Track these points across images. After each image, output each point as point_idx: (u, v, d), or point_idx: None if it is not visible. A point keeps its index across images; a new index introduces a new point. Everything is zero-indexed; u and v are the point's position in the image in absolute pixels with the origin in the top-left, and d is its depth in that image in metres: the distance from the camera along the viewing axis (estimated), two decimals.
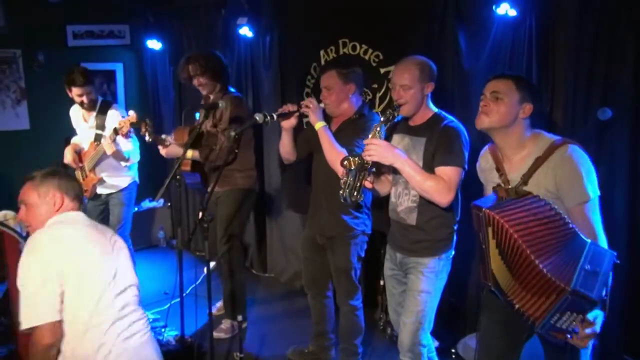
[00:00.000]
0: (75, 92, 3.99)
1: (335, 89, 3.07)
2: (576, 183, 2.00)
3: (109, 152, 3.91)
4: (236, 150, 3.62)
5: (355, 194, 2.48)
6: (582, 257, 1.79)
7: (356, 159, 2.48)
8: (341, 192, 2.49)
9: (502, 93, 2.14)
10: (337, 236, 3.15)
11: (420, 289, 2.60)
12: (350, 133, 3.03)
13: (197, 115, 3.80)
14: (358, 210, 3.13)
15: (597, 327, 1.79)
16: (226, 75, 3.80)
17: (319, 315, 3.46)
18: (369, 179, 2.49)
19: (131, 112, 3.74)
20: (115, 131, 3.78)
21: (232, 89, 3.85)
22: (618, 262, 1.86)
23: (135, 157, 4.19)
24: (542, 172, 2.06)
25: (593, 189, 2.02)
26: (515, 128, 2.16)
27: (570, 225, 1.87)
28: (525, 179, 2.09)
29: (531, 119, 2.19)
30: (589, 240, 1.86)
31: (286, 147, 3.24)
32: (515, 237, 1.83)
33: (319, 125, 2.96)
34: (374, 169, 2.53)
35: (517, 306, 1.92)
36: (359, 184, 2.48)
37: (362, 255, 3.22)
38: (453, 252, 2.68)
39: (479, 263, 2.13)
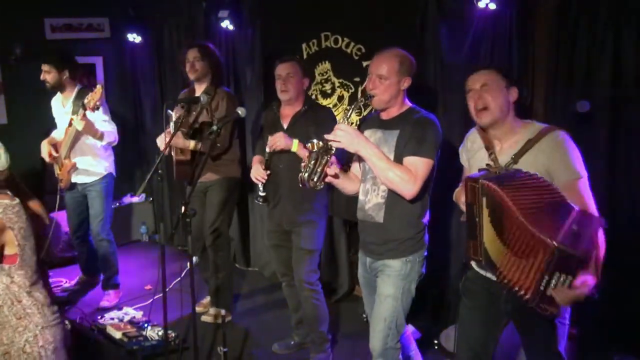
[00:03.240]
0: (42, 67, 4.06)
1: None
2: (568, 163, 2.05)
3: (80, 128, 3.82)
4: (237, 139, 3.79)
5: (314, 178, 2.41)
6: (569, 219, 1.84)
7: (320, 142, 2.38)
8: (300, 174, 2.43)
9: (490, 82, 2.15)
10: (301, 221, 3.23)
11: (386, 293, 2.53)
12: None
13: (169, 111, 3.72)
14: (319, 196, 3.20)
15: (585, 289, 1.78)
16: (220, 72, 3.82)
17: (297, 300, 3.48)
18: (331, 167, 2.41)
19: (98, 86, 3.73)
20: (84, 106, 3.74)
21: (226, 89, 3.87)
22: (606, 227, 1.91)
23: (109, 137, 4.05)
24: (532, 154, 2.09)
25: (582, 169, 2.07)
26: (509, 116, 2.17)
27: (559, 192, 1.92)
28: (516, 159, 2.11)
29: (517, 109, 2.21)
30: (577, 207, 1.91)
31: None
32: (507, 199, 1.88)
33: (295, 145, 3.09)
34: (333, 157, 2.43)
35: (507, 279, 1.92)
36: (319, 168, 2.40)
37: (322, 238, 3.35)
38: (425, 254, 2.60)
39: (468, 240, 2.11)
